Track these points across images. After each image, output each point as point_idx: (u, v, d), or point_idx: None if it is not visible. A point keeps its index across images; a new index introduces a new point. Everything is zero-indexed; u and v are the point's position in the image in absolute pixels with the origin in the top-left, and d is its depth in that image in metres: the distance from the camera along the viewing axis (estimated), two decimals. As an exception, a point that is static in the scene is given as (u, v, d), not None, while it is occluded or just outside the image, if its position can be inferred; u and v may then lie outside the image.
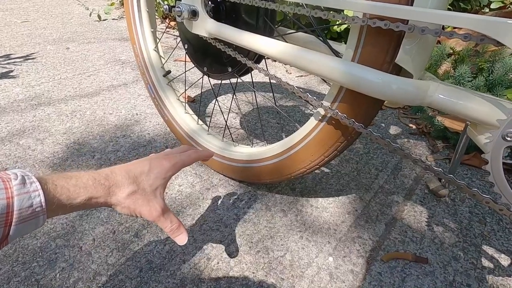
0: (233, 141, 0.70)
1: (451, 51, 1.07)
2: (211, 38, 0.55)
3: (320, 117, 0.47)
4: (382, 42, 0.37)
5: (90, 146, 0.80)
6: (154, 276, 0.50)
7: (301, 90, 0.46)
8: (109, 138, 0.84)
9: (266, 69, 0.51)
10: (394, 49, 0.37)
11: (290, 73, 1.34)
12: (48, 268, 0.50)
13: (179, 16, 0.55)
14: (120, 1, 2.41)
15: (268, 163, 0.57)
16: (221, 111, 0.93)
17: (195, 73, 1.22)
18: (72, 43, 1.57)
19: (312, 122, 0.49)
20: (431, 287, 0.49)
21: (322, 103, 0.44)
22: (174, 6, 0.55)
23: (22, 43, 1.54)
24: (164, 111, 0.80)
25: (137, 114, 0.96)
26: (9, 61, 1.32)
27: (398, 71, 0.39)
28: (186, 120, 0.76)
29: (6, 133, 0.84)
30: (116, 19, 2.10)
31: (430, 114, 0.93)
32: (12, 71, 1.22)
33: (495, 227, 0.61)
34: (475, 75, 0.95)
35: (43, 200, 0.29)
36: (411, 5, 0.34)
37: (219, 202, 0.65)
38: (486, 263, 0.54)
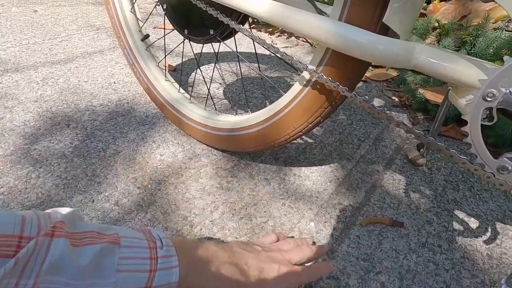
0: (216, 110, 0.68)
1: (437, 24, 1.07)
2: (191, -4, 0.51)
3: (305, 82, 0.46)
4: (370, 0, 0.36)
5: (65, 115, 0.76)
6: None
7: (285, 53, 0.44)
8: (85, 107, 0.79)
9: (250, 31, 0.48)
10: (382, 7, 0.36)
11: (276, 44, 1.30)
12: (24, 237, 0.48)
13: (155, -31, 0.50)
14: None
15: (251, 131, 0.56)
16: (204, 79, 0.90)
17: (176, 41, 1.16)
18: (40, 6, 1.44)
19: (296, 87, 0.48)
20: (406, 248, 0.52)
21: (307, 66, 0.43)
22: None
23: (-17, 4, 1.40)
24: (143, 79, 0.76)
25: (114, 83, 0.91)
26: (-31, 23, 1.20)
27: (385, 31, 0.38)
28: (167, 88, 0.73)
29: (-31, 100, 0.78)
30: (89, -18, 1.94)
31: (412, 87, 0.94)
32: (-28, 34, 1.11)
33: (467, 194, 0.64)
34: (458, 48, 0.96)
35: (177, 280, 0.27)
36: (402, -42, 0.33)
37: (202, 171, 0.64)
38: (456, 226, 0.57)
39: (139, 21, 0.75)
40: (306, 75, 0.45)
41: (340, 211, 0.58)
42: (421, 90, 0.89)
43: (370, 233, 0.54)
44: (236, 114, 0.65)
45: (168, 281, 0.27)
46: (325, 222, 0.55)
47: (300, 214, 0.57)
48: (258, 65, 0.98)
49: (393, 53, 0.35)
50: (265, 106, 0.55)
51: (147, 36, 0.75)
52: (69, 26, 1.26)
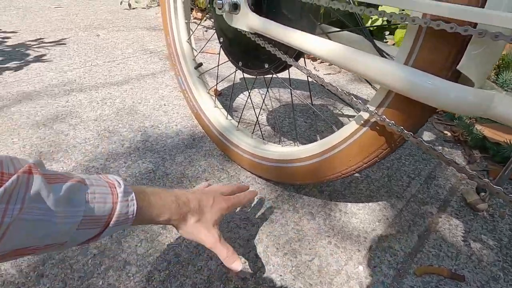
0: (263, 139, 0.69)
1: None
2: (251, 33, 0.53)
3: (362, 121, 0.45)
4: (443, 46, 0.35)
5: (120, 134, 0.81)
6: (182, 270, 0.50)
7: (345, 92, 0.44)
8: (138, 127, 0.84)
9: (305, 67, 0.49)
10: (456, 54, 0.34)
11: (318, 71, 1.30)
12: (81, 254, 0.51)
13: (219, 9, 0.53)
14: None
15: (302, 164, 0.55)
16: (253, 107, 0.91)
17: (224, 68, 1.21)
18: (102, 30, 1.60)
19: (353, 125, 0.47)
20: (468, 306, 0.47)
21: (367, 107, 0.42)
22: (215, -1, 0.54)
23: (55, 28, 1.58)
24: (193, 104, 0.79)
25: (164, 105, 0.96)
26: (43, 45, 1.35)
27: (457, 77, 0.36)
28: (216, 114, 0.76)
29: (41, 116, 0.86)
30: (145, 8, 2.12)
31: (467, 121, 0.88)
32: (45, 55, 1.25)
33: (538, 248, 0.57)
34: (520, 83, 0.89)
35: (135, 210, 0.34)
36: (482, 6, 0.32)
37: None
38: (528, 286, 0.50)
39: (194, 51, 0.80)
40: (364, 115, 0.44)
41: (391, 256, 0.54)
42: (478, 126, 0.83)
43: (426, 284, 0.50)
44: (283, 144, 0.65)
45: (127, 210, 0.33)
46: (375, 266, 0.52)
47: (348, 255, 0.54)
48: (311, 99, 0.98)
49: (468, 101, 0.33)
50: (310, 138, 0.54)
51: (200, 64, 0.79)
52: (126, 50, 1.37)
